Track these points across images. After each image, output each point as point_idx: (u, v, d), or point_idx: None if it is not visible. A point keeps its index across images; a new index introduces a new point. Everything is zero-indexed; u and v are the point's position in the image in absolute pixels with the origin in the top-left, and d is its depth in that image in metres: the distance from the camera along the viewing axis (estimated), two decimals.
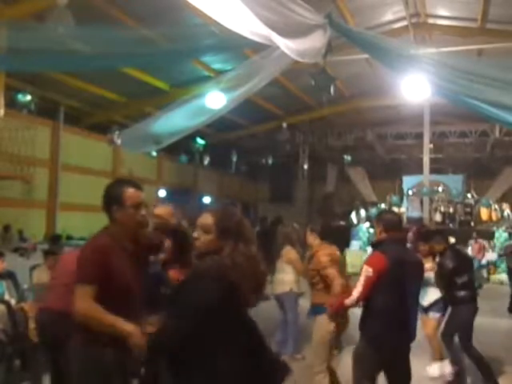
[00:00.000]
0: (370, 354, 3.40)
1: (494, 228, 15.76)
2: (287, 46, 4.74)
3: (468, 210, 17.66)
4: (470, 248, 14.53)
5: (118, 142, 9.23)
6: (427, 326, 5.26)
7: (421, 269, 3.67)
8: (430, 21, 12.01)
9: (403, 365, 3.48)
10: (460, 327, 5.03)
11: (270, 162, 22.14)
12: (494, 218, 17.05)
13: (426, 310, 5.26)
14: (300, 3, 4.47)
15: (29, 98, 12.14)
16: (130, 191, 2.45)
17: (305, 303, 5.28)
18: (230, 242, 2.17)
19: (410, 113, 16.01)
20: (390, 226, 3.52)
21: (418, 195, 17.51)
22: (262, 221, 16.27)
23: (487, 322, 7.80)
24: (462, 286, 4.97)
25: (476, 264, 13.85)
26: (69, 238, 11.67)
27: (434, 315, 5.24)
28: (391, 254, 3.37)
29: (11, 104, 11.36)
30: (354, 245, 15.92)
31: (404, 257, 3.49)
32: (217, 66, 12.11)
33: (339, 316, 3.91)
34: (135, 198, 2.46)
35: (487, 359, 5.05)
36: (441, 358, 5.20)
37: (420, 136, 16.67)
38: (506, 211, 16.77)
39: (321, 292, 4.21)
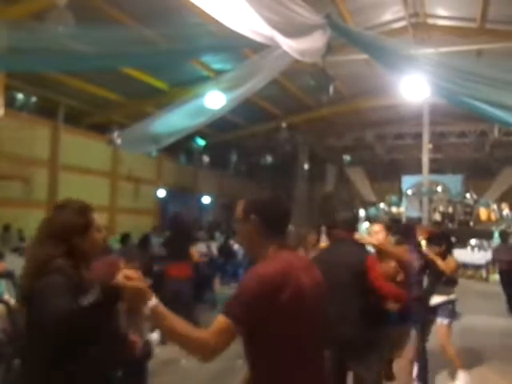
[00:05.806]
0: None
1: (493, 228, 15.78)
2: (289, 45, 4.75)
3: (467, 210, 17.72)
4: (469, 248, 14.56)
5: (118, 142, 9.21)
6: (439, 333, 4.96)
7: None
8: (430, 21, 12.00)
9: None
10: None
11: (269, 161, 22.16)
12: (492, 218, 17.10)
13: (435, 314, 4.96)
14: (300, 3, 4.48)
15: (29, 98, 12.15)
16: None
17: None
18: None
19: (410, 113, 16.01)
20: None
21: (418, 195, 17.53)
22: None
23: (486, 322, 7.84)
24: None
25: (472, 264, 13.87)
26: None
27: (442, 321, 4.92)
28: None
29: (11, 104, 11.37)
30: None
31: None
32: (216, 66, 12.11)
33: None
34: None
35: (486, 359, 4.98)
36: (461, 366, 4.86)
37: (419, 136, 16.67)
38: (505, 211, 16.79)
39: None
